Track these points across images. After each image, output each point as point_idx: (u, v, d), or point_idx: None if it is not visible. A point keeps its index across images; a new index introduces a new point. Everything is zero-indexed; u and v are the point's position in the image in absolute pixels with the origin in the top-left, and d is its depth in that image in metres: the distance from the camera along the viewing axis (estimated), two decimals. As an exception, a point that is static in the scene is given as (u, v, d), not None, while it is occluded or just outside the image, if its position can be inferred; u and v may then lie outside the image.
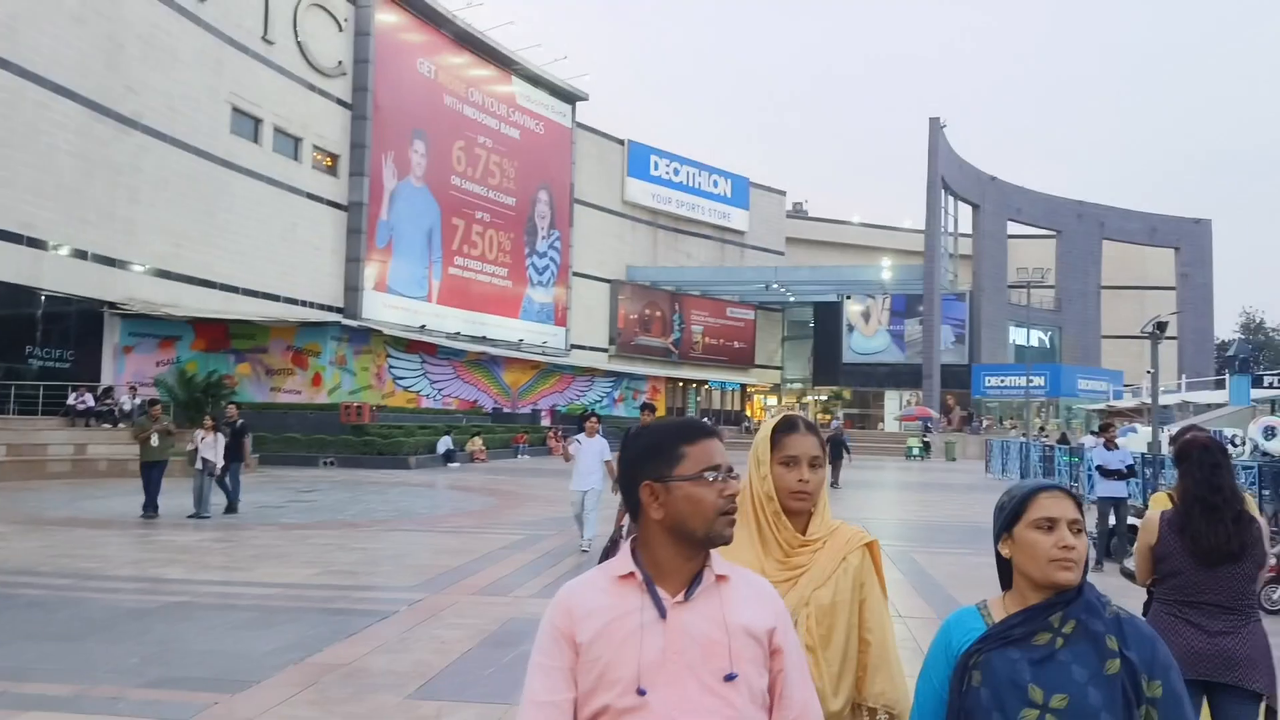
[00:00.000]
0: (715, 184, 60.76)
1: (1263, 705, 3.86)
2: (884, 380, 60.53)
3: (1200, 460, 3.99)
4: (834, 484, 25.53)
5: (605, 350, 52.96)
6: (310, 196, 36.96)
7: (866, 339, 60.81)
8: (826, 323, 61.94)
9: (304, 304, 36.20)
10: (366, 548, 12.97)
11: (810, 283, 59.72)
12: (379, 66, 39.16)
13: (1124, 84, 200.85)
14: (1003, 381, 56.01)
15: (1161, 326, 19.95)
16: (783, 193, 67.03)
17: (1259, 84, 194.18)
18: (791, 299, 61.81)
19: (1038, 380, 55.45)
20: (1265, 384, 32.13)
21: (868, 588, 2.39)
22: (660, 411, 53.53)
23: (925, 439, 47.20)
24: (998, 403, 58.49)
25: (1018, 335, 61.79)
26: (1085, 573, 2.02)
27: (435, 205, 42.22)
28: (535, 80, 48.31)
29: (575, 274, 51.24)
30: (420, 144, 41.48)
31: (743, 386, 61.73)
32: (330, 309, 37.07)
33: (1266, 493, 14.47)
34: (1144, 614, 4.12)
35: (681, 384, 56.79)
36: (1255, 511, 4.26)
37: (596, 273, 52.98)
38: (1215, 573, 3.85)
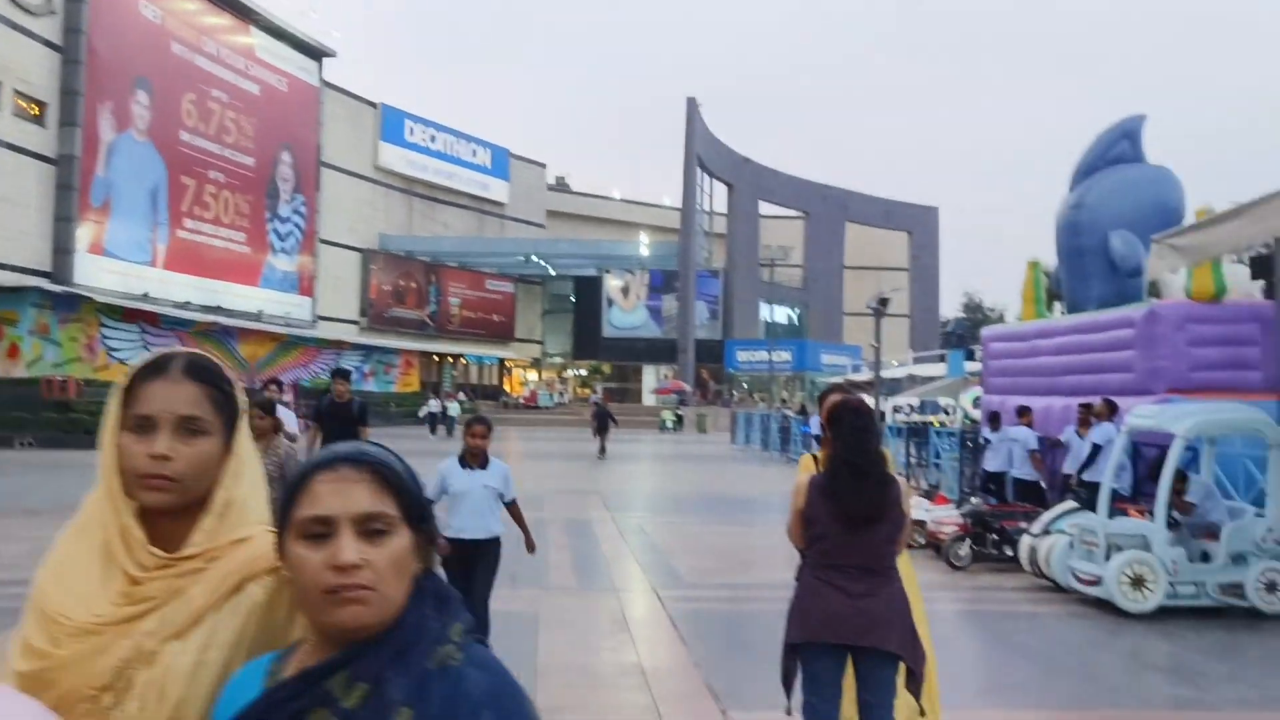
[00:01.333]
0: (474, 153, 59.40)
1: (903, 667, 3.82)
2: (642, 354, 61.57)
3: (851, 424, 3.92)
4: (601, 455, 26.43)
5: (356, 322, 50.67)
6: (11, 147, 32.89)
7: (626, 314, 61.59)
8: (587, 297, 62.22)
9: (1, 267, 32.27)
10: (38, 537, 11.46)
11: (571, 256, 59.73)
12: (95, 7, 35.31)
13: (866, 74, 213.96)
14: (753, 356, 58.35)
15: (884, 302, 21.09)
16: (543, 165, 66.55)
17: (986, 82, 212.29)
18: (552, 272, 61.60)
19: (785, 355, 58.27)
20: (976, 357, 34.94)
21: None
22: (412, 384, 52.06)
23: (679, 412, 48.39)
24: (749, 377, 60.90)
25: (769, 311, 64.62)
26: (420, 605, 1.26)
27: (161, 162, 38.68)
28: (277, 33, 45.22)
29: (323, 241, 48.59)
30: (144, 94, 37.83)
31: (501, 361, 60.96)
32: (36, 273, 33.22)
33: (968, 455, 15.52)
34: (796, 578, 4.00)
35: (438, 358, 55.41)
36: (895, 472, 4.21)
37: (346, 241, 50.50)
38: (858, 535, 3.77)
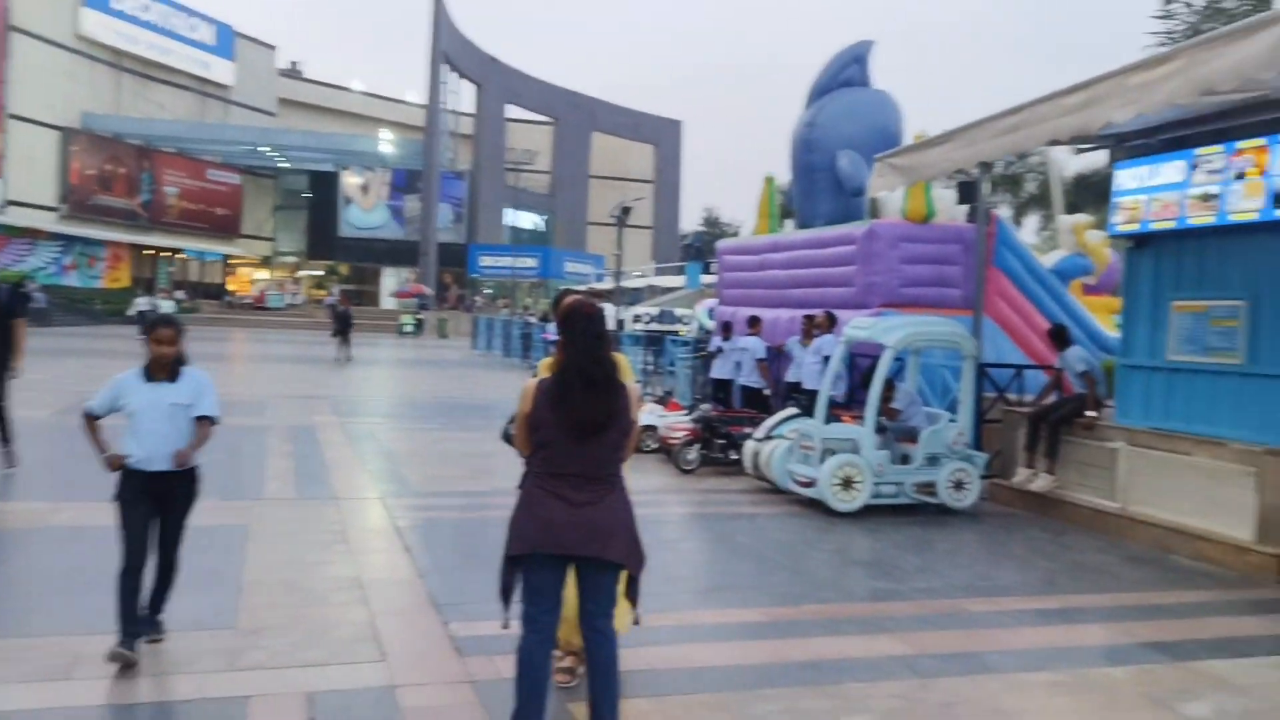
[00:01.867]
0: (194, 28, 53.90)
1: (624, 574, 3.76)
2: (382, 256, 59.33)
3: (585, 329, 3.72)
4: (344, 359, 26.26)
5: (54, 209, 45.34)
6: None
7: (365, 213, 58.92)
8: (323, 193, 58.85)
9: None
10: None
11: (305, 149, 56.02)
12: None
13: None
14: (497, 261, 57.66)
15: (626, 211, 21.20)
16: (273, 47, 61.67)
17: (734, 9, 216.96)
18: (284, 165, 57.69)
19: (530, 261, 57.99)
20: (712, 270, 36.21)
21: None
22: (122, 279, 47.54)
23: (419, 316, 47.19)
24: (493, 282, 60.22)
25: (515, 217, 63.85)
26: None
27: None
28: None
29: (14, 117, 42.75)
30: None
31: (226, 257, 56.76)
32: None
33: (700, 364, 16.02)
34: (519, 487, 3.82)
35: (152, 251, 50.75)
36: (630, 378, 4.10)
37: (43, 118, 44.69)
38: (585, 442, 3.62)
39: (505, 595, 3.75)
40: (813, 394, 10.46)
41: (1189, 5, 21.29)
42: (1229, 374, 7.81)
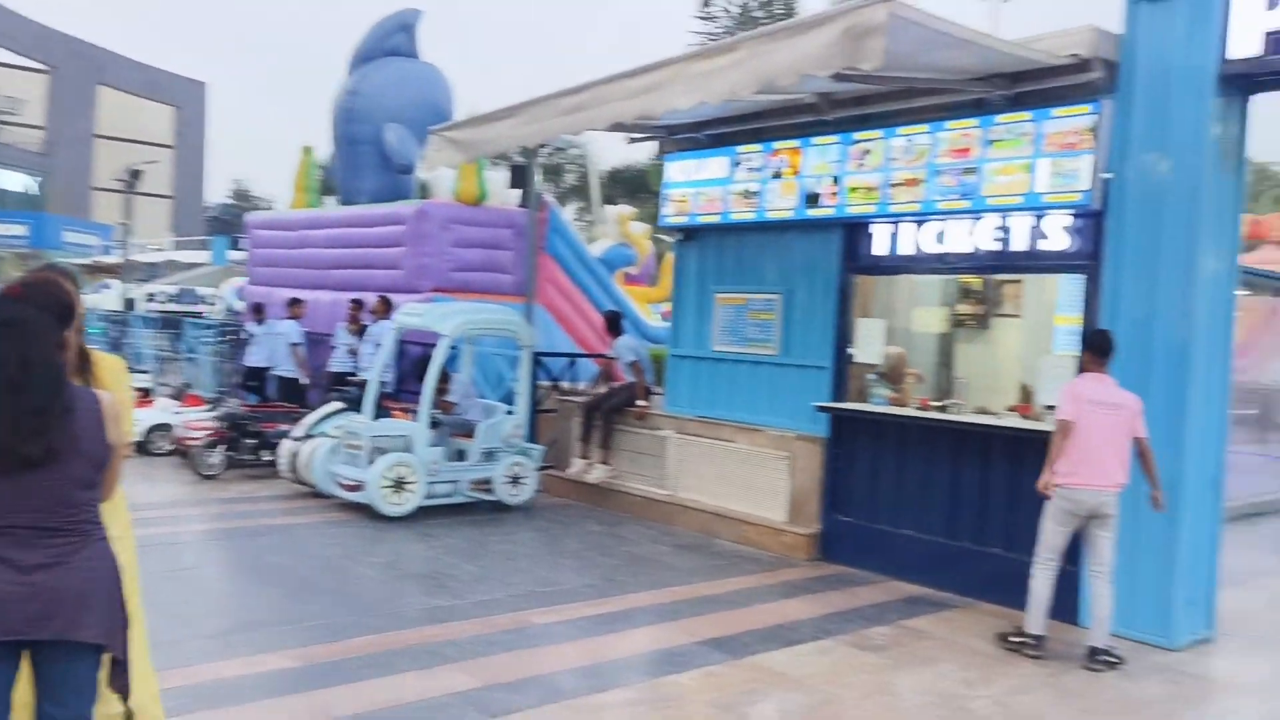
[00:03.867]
0: None
1: (107, 658, 2.68)
2: None
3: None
4: None
5: None
6: None
7: None
8: None
9: None
10: None
11: None
12: None
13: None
14: (-25, 227, 48.65)
15: (136, 175, 18.48)
16: None
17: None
18: None
19: (18, 229, 49.61)
20: (240, 246, 33.14)
21: None
22: None
23: None
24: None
25: (1, 177, 54.28)
26: None
27: None
28: None
29: None
30: None
31: None
32: None
33: (228, 350, 14.25)
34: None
35: None
36: (118, 385, 3.00)
37: None
38: (23, 483, 2.49)
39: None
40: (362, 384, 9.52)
41: (727, 11, 22.95)
42: (765, 364, 8.18)
